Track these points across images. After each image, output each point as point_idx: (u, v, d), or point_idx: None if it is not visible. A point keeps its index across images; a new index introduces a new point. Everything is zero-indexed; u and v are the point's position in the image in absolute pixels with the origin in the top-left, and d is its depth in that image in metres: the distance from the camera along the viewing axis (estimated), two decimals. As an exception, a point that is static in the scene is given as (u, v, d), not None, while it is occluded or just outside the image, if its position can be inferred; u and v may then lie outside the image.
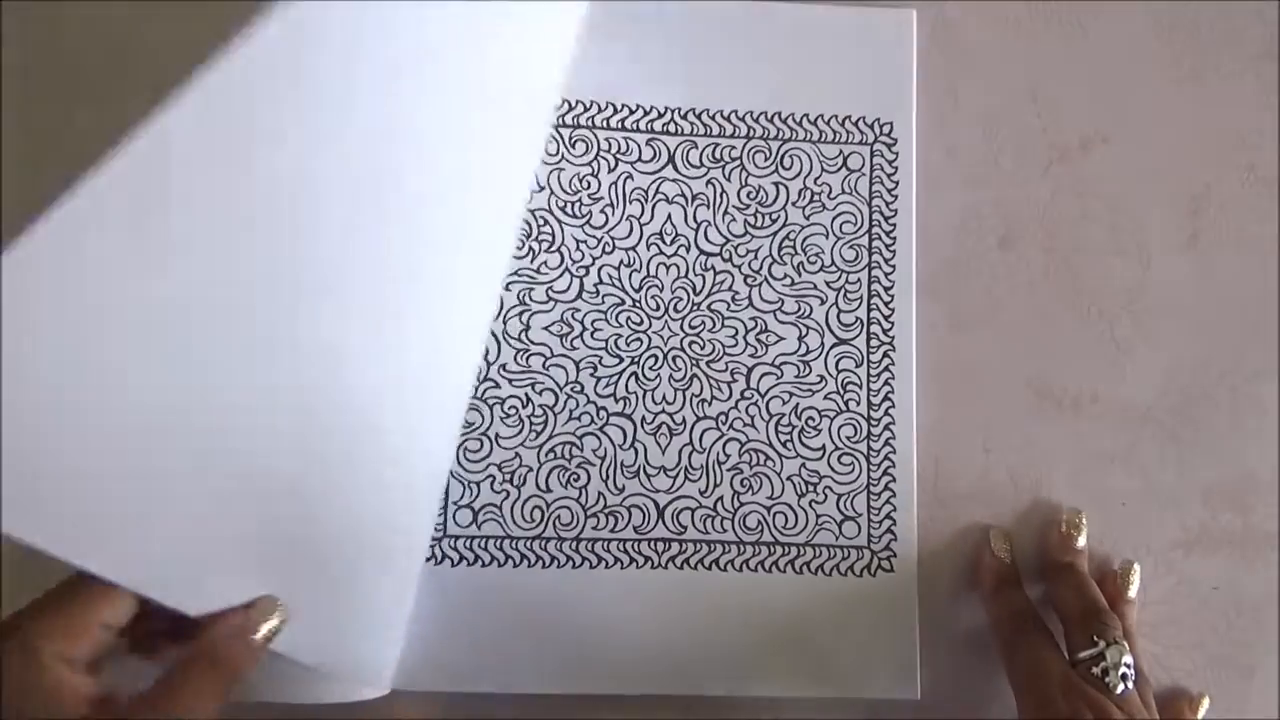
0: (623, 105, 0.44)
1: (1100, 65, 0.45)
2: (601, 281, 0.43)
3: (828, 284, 0.44)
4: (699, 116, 0.44)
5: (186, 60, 0.43)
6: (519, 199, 0.36)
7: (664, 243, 0.44)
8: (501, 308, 0.43)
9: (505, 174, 0.33)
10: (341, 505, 0.30)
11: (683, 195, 0.44)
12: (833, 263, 0.44)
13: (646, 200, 0.44)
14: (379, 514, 0.33)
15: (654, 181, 0.44)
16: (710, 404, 0.43)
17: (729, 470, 0.43)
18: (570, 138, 0.44)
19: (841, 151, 0.44)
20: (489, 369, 0.43)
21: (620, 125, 0.44)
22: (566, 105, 0.44)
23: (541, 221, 0.43)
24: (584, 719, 0.42)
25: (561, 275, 0.43)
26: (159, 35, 0.43)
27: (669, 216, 0.44)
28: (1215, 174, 0.44)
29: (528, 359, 0.43)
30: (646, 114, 0.44)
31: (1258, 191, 0.44)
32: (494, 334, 0.43)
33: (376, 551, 0.36)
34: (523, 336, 0.43)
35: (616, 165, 0.44)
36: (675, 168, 0.44)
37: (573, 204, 0.44)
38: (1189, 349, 0.44)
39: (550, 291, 0.43)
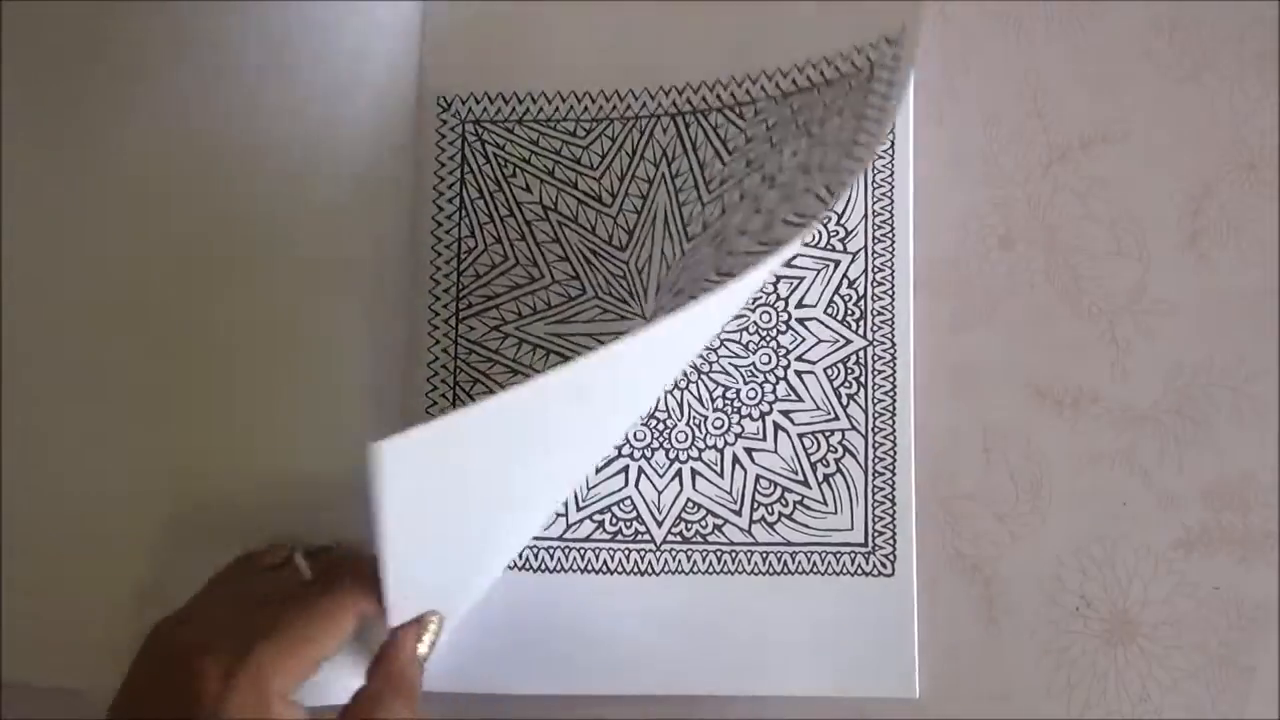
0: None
1: (1100, 65, 0.45)
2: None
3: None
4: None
5: (181, 59, 0.43)
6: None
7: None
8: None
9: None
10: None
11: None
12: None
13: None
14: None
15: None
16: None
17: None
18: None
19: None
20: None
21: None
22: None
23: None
24: (584, 718, 0.42)
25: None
26: (154, 34, 0.43)
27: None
28: (1215, 174, 0.44)
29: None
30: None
31: (1258, 191, 0.44)
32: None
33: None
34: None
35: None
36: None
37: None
38: (1189, 349, 0.44)
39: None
